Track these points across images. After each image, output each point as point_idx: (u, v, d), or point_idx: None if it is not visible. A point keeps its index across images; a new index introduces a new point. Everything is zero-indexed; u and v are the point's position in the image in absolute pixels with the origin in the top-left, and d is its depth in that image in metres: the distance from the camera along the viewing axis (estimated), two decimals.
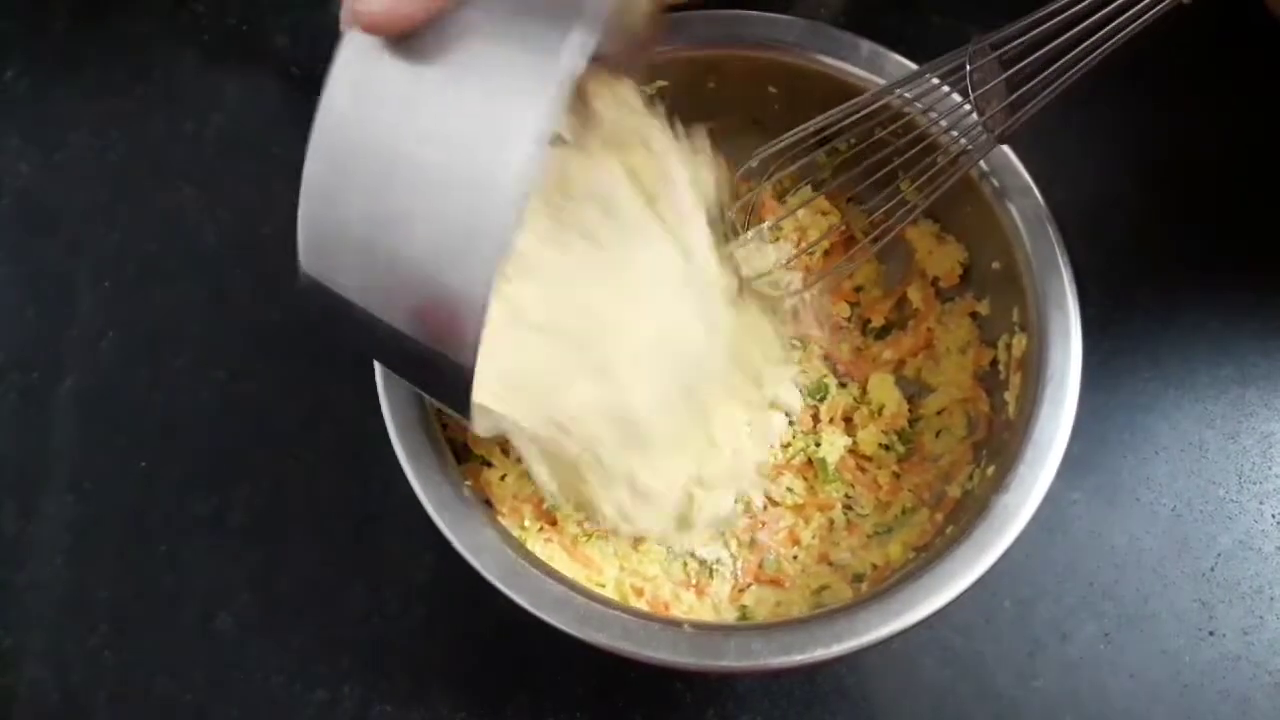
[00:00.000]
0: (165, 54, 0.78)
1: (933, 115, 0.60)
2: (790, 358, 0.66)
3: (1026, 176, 0.61)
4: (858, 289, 0.69)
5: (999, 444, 0.59)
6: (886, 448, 0.65)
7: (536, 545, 0.59)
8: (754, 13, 0.64)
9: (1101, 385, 0.68)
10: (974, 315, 0.66)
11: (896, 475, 0.64)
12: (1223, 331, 0.71)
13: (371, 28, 0.41)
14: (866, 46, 0.63)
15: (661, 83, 0.64)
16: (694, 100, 0.65)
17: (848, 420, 0.66)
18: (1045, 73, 0.53)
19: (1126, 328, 0.70)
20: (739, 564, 0.63)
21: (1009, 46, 0.54)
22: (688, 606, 0.61)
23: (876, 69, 0.63)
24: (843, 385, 0.67)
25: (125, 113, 0.77)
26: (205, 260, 0.73)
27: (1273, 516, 0.66)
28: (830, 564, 0.62)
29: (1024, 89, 0.54)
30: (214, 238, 0.73)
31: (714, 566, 0.62)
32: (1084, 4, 0.51)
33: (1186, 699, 0.63)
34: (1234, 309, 0.71)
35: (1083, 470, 0.66)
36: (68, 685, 0.64)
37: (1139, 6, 0.50)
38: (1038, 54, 0.53)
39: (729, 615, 0.61)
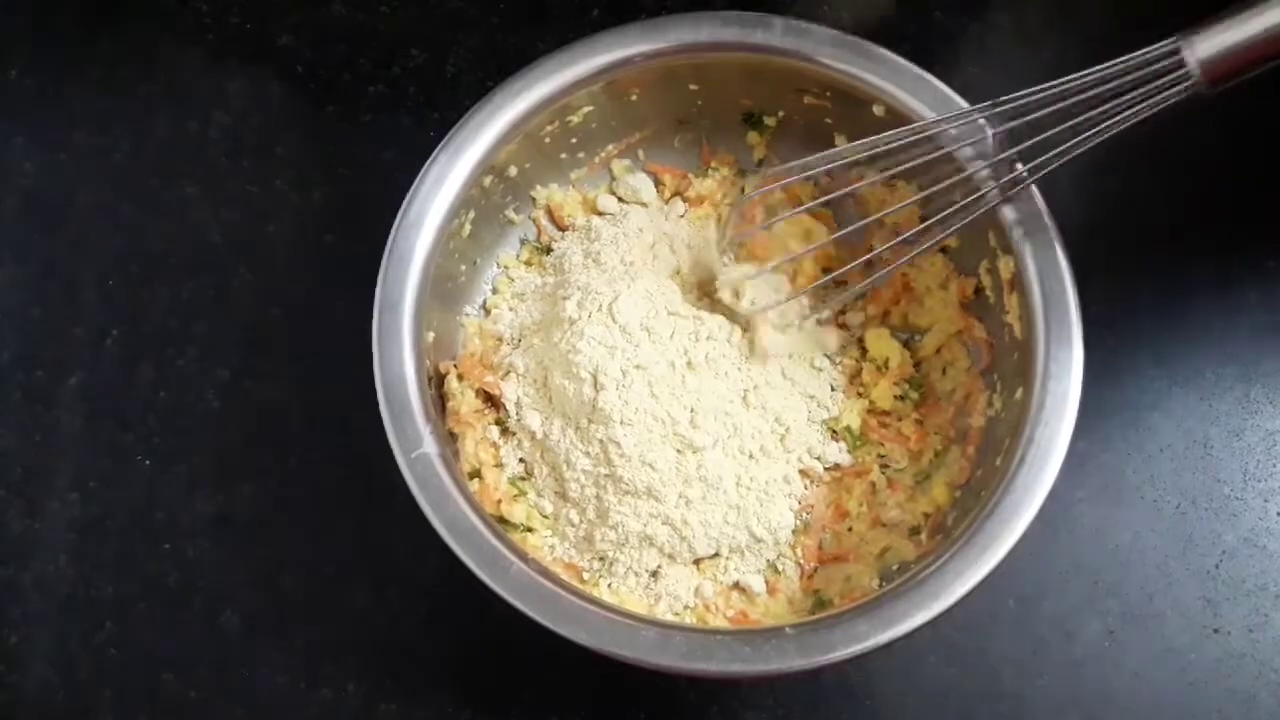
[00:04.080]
0: (169, 53, 0.78)
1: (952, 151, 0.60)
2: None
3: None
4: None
5: (1010, 366, 0.61)
6: (901, 398, 0.66)
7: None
8: (663, 18, 0.64)
9: (1105, 383, 0.68)
10: (944, 250, 0.66)
11: (919, 422, 0.65)
12: (1226, 329, 0.70)
13: None
14: (780, 23, 0.63)
15: (587, 108, 0.65)
16: (619, 116, 0.67)
17: (852, 380, 0.67)
18: (1057, 140, 0.55)
19: (1130, 325, 0.70)
20: (799, 551, 0.63)
21: (1026, 110, 0.56)
22: (763, 609, 0.61)
23: (794, 42, 0.63)
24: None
25: (129, 112, 0.77)
26: (209, 259, 0.73)
27: (1278, 514, 0.66)
28: (884, 525, 0.63)
29: (1035, 155, 0.56)
30: (218, 236, 0.73)
31: (777, 563, 0.63)
32: (1099, 78, 0.53)
33: (1191, 697, 0.63)
34: (1237, 308, 0.71)
35: (1087, 468, 0.66)
36: (73, 683, 0.64)
37: (1151, 88, 0.52)
38: (1048, 115, 0.55)
39: (804, 605, 0.61)
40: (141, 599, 0.66)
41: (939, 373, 0.66)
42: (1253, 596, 0.65)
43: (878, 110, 0.63)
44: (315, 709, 0.63)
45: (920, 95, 0.61)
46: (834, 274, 0.66)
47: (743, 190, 0.66)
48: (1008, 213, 0.60)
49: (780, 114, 0.68)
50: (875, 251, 0.64)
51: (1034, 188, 0.59)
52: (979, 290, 0.64)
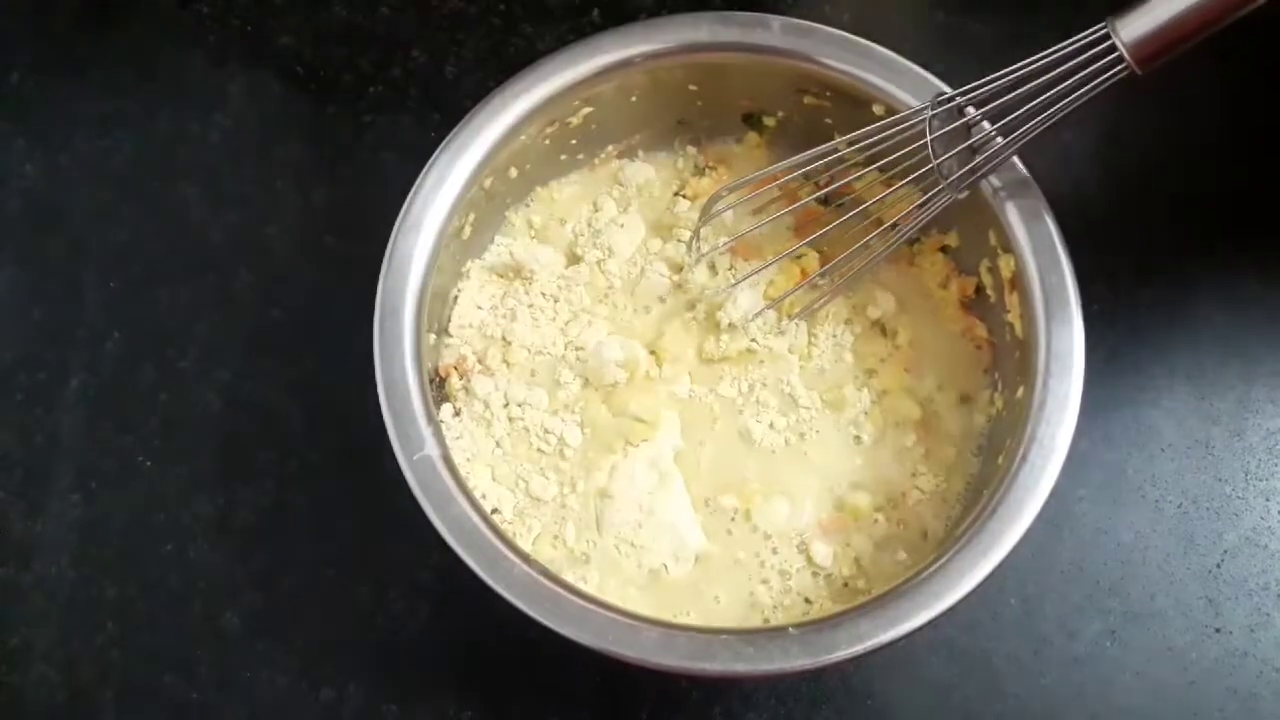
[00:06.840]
0: (170, 55, 0.79)
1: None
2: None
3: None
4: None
5: (1011, 365, 0.61)
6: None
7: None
8: (663, 18, 0.64)
9: (1107, 382, 0.68)
10: (944, 249, 0.66)
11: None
12: (1228, 328, 0.70)
13: None
14: (780, 23, 0.63)
15: (587, 109, 0.65)
16: (619, 117, 0.67)
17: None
18: (1006, 130, 0.55)
19: (1131, 325, 0.70)
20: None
21: (972, 98, 0.56)
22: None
23: (794, 42, 0.63)
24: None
25: (130, 114, 0.77)
26: (210, 260, 0.73)
27: (1279, 513, 0.66)
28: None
29: (986, 148, 0.57)
30: (219, 238, 0.73)
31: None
32: (1043, 65, 0.53)
33: (1192, 696, 0.63)
34: (1239, 306, 0.71)
35: (1088, 468, 0.66)
36: (75, 684, 0.64)
37: (1093, 70, 0.52)
38: (996, 106, 0.56)
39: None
40: (142, 600, 0.66)
41: None
42: (1254, 596, 0.65)
43: (878, 110, 0.63)
44: (317, 710, 0.63)
45: (921, 95, 0.61)
46: (798, 285, 0.66)
47: (709, 205, 0.66)
48: (1008, 211, 0.60)
49: (780, 114, 0.68)
50: (831, 264, 0.64)
51: (1034, 186, 0.59)
52: (980, 289, 0.65)
